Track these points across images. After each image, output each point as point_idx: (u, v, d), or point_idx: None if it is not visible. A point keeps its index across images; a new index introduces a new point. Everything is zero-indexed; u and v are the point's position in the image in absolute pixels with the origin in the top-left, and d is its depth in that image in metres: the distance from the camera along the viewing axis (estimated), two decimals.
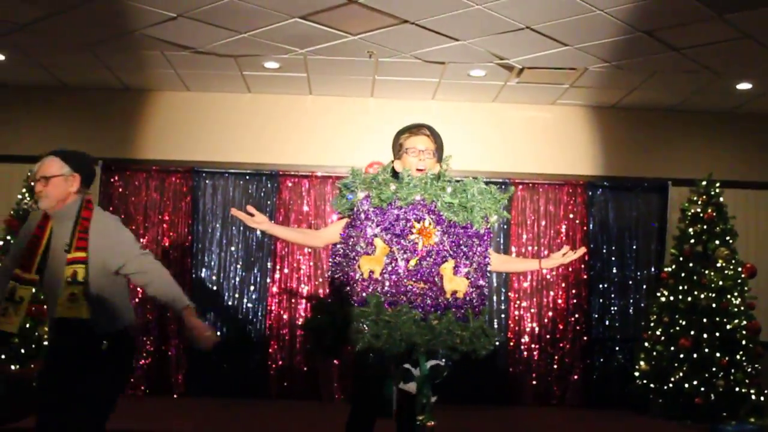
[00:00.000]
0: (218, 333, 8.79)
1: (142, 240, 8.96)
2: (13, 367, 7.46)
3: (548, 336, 9.07)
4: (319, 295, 8.81)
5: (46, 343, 7.58)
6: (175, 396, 8.74)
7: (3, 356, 7.47)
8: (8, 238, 7.91)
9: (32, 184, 3.75)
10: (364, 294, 3.57)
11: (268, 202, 9.10)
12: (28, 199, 8.02)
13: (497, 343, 3.75)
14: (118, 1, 6.59)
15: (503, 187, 8.62)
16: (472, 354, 3.64)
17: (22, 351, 7.54)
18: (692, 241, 8.39)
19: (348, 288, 3.64)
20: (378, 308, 3.51)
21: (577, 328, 9.08)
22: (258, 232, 9.03)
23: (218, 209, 9.13)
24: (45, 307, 7.57)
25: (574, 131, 9.37)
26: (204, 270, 9.04)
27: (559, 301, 9.11)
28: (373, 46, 7.61)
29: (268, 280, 8.98)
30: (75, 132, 9.11)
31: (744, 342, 7.95)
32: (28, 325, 7.59)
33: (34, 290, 3.99)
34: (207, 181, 9.16)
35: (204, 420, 7.02)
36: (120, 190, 9.10)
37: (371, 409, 3.76)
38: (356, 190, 3.74)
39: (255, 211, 3.59)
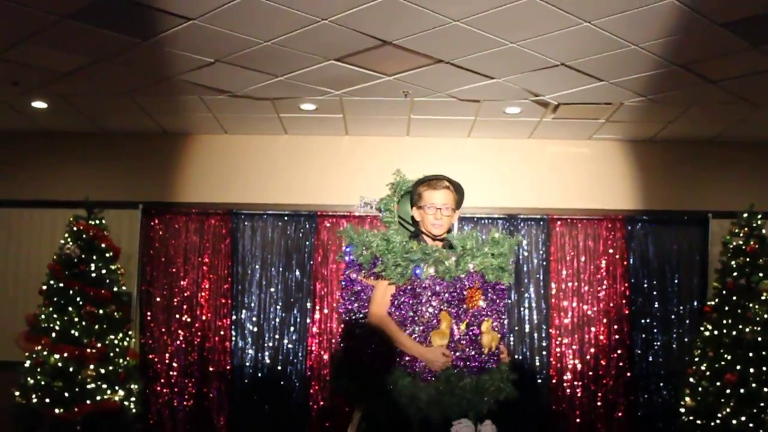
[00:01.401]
0: (258, 374, 8.84)
1: (182, 282, 9.04)
2: (57, 410, 7.53)
3: (591, 373, 8.97)
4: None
5: (89, 386, 7.65)
6: None
7: (47, 400, 7.55)
8: (51, 282, 8.02)
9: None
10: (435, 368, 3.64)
11: (307, 243, 9.15)
12: (71, 244, 8.14)
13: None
14: (157, 48, 6.69)
15: (538, 223, 8.65)
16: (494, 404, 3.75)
17: (66, 395, 7.60)
18: (735, 274, 8.26)
19: (407, 359, 3.66)
20: (447, 380, 3.60)
21: (620, 364, 8.97)
22: (297, 273, 9.07)
23: (257, 251, 9.19)
24: (89, 350, 7.70)
25: (612, 166, 9.33)
26: (244, 311, 9.08)
27: (601, 337, 9.02)
28: (408, 86, 7.65)
29: (308, 321, 8.99)
30: (115, 177, 9.25)
31: None
32: (71, 369, 7.67)
33: None
34: (246, 223, 9.23)
35: None
36: (160, 233, 9.19)
37: None
38: (423, 266, 3.72)
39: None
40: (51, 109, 8.47)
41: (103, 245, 8.33)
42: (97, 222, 8.41)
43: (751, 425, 7.64)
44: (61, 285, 8.02)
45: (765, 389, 7.70)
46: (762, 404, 7.68)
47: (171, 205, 9.25)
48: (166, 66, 7.17)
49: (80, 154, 9.34)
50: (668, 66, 6.94)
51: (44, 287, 8.09)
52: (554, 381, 8.93)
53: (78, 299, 7.99)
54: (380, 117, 8.69)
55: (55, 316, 7.90)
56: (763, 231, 8.35)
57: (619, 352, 8.99)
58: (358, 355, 3.81)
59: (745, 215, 8.41)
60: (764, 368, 7.79)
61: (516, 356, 8.73)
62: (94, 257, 8.23)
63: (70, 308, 7.95)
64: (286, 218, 9.25)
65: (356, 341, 3.85)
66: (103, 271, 8.24)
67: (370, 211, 4.09)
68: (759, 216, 8.38)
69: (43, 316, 7.92)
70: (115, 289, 8.33)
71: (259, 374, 8.96)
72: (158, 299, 9.07)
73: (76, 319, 7.91)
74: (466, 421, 3.63)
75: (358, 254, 3.91)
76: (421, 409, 3.56)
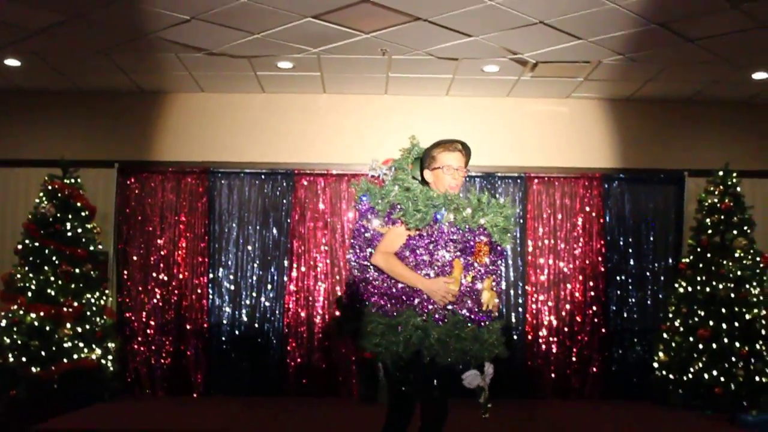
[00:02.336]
0: (236, 332, 8.87)
1: (159, 241, 9.02)
2: (34, 369, 7.53)
3: (566, 329, 9.07)
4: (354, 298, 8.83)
5: (66, 345, 7.64)
6: (194, 396, 8.79)
7: (24, 359, 7.54)
8: (26, 242, 7.98)
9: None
10: (444, 312, 3.78)
11: (284, 201, 9.13)
12: (46, 203, 8.08)
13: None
14: (133, 5, 6.62)
15: (516, 181, 8.71)
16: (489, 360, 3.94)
17: (43, 353, 7.60)
18: (710, 231, 8.35)
19: (416, 301, 3.78)
20: (454, 326, 3.76)
21: (595, 320, 9.07)
22: (274, 231, 9.08)
23: (234, 209, 9.17)
24: (65, 309, 7.68)
25: (590, 124, 9.35)
26: (221, 270, 9.08)
27: (577, 294, 9.10)
28: (386, 44, 7.61)
29: (285, 279, 9.01)
30: (90, 136, 9.18)
31: (763, 331, 7.90)
32: (48, 328, 7.66)
33: None
34: (223, 181, 9.20)
35: (224, 419, 7.05)
36: (136, 191, 9.15)
37: (410, 416, 3.94)
38: (444, 211, 3.83)
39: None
40: (25, 67, 8.36)
41: (78, 204, 8.29)
42: (73, 181, 8.35)
43: (722, 379, 7.77)
44: (37, 244, 7.98)
45: (737, 344, 7.83)
46: (733, 359, 7.81)
47: (147, 164, 9.19)
48: (142, 23, 7.08)
49: (55, 113, 9.23)
50: (647, 25, 6.94)
51: (20, 246, 8.05)
52: (530, 337, 9.02)
53: (54, 258, 7.97)
54: (358, 75, 8.64)
55: (30, 275, 7.87)
56: (738, 189, 8.43)
57: (594, 308, 9.08)
58: (366, 298, 3.96)
59: (721, 173, 8.49)
60: (736, 324, 7.91)
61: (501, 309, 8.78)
62: (70, 216, 8.19)
63: (46, 267, 7.93)
64: (263, 176, 9.22)
65: (364, 286, 3.98)
66: (79, 231, 8.21)
67: (381, 172, 4.15)
68: (734, 174, 8.46)
69: (18, 276, 7.90)
70: (92, 248, 8.31)
71: (237, 332, 8.99)
72: (135, 258, 9.05)
73: (52, 279, 7.89)
74: (471, 372, 3.82)
75: (375, 202, 4.03)
76: (432, 347, 3.71)
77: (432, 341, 3.70)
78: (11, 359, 7.57)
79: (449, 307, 3.76)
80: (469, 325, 3.78)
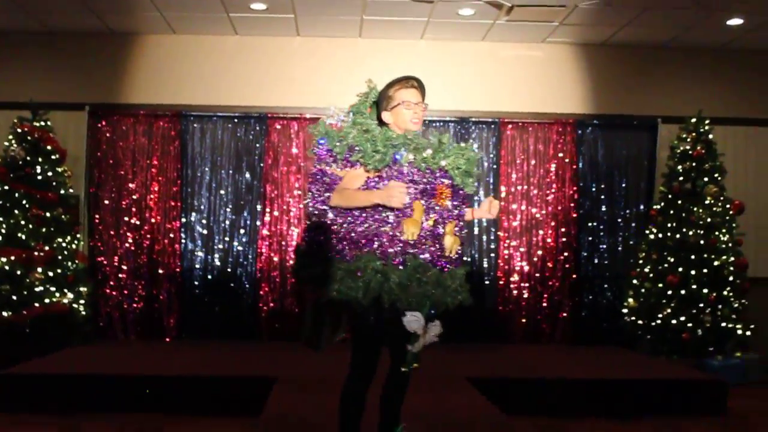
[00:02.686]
0: (208, 276, 8.87)
1: (131, 185, 8.96)
2: (5, 314, 7.52)
3: (537, 274, 9.14)
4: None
5: (37, 289, 7.63)
6: (167, 340, 8.83)
7: None
8: None
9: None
10: (404, 255, 3.71)
11: (257, 145, 9.08)
12: (15, 146, 8.00)
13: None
14: None
15: (489, 126, 8.69)
16: (452, 306, 3.85)
17: (14, 298, 7.59)
18: (681, 178, 8.39)
19: (376, 245, 3.72)
20: (414, 269, 3.67)
21: (567, 266, 9.14)
22: (247, 175, 9.04)
23: (207, 153, 9.10)
24: (36, 253, 7.65)
25: (564, 69, 9.31)
26: (194, 214, 9.04)
27: (549, 240, 9.15)
28: None
29: (258, 223, 9.00)
30: (61, 77, 9.05)
31: (731, 278, 8.02)
32: (19, 272, 7.64)
33: None
34: (195, 125, 9.12)
35: (197, 362, 7.09)
36: (107, 135, 9.05)
37: (373, 369, 3.84)
38: (403, 151, 3.75)
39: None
40: None
41: (48, 147, 8.22)
42: (43, 124, 8.27)
43: (690, 325, 7.88)
44: (6, 188, 7.92)
45: (704, 290, 7.93)
46: (701, 305, 7.92)
47: (118, 107, 9.08)
48: None
49: (24, 54, 9.08)
50: None
51: None
52: (501, 282, 9.08)
53: (24, 202, 7.91)
54: (332, 18, 8.55)
55: (0, 219, 7.81)
56: (710, 136, 8.46)
57: (565, 254, 9.15)
58: (324, 244, 3.84)
59: (693, 121, 8.51)
60: (705, 270, 8.00)
61: (464, 258, 8.82)
62: (40, 159, 8.12)
63: (17, 211, 7.87)
64: (236, 120, 9.15)
65: (322, 230, 3.87)
66: (50, 174, 8.14)
67: (339, 119, 4.06)
68: (707, 121, 8.48)
69: None
70: (62, 192, 8.26)
71: (209, 276, 8.99)
72: (106, 202, 8.99)
73: (23, 222, 7.84)
74: (418, 314, 3.70)
75: (332, 145, 3.92)
76: (392, 291, 3.63)
77: (392, 285, 3.62)
78: None
79: (410, 250, 3.69)
80: (431, 269, 3.73)
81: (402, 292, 3.64)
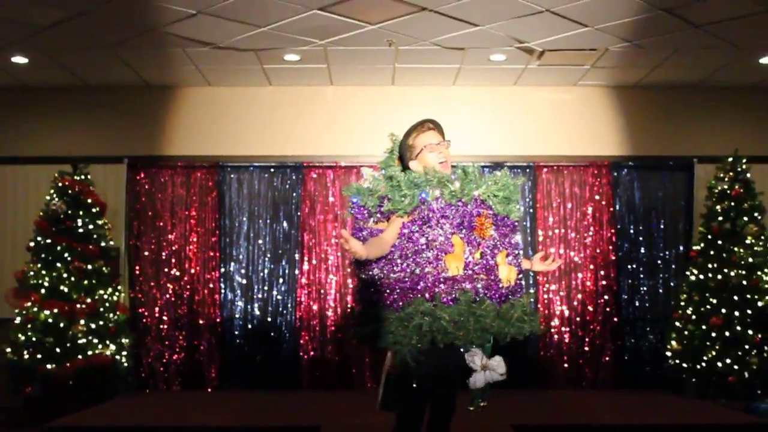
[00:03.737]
0: (248, 326, 8.90)
1: (170, 236, 9.05)
2: (49, 366, 7.57)
3: (578, 318, 9.06)
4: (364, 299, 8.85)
5: (80, 341, 7.69)
6: (209, 390, 8.83)
7: (39, 355, 7.59)
8: (38, 239, 8.02)
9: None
10: (453, 292, 3.64)
11: (294, 194, 9.14)
12: (57, 200, 8.12)
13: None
14: (138, 0, 6.62)
15: (524, 171, 8.73)
16: (521, 336, 3.78)
17: (57, 350, 7.64)
18: (720, 218, 8.32)
19: (422, 286, 3.65)
20: (468, 305, 3.62)
21: (607, 309, 9.06)
22: (284, 224, 9.09)
23: (244, 203, 9.18)
24: (78, 306, 7.72)
25: (597, 112, 9.32)
26: (233, 264, 9.10)
27: (588, 283, 9.09)
28: (392, 35, 7.61)
29: (297, 272, 9.02)
30: (99, 131, 9.21)
31: None
32: (62, 325, 7.70)
33: None
34: (232, 175, 9.21)
35: (240, 413, 7.08)
36: (146, 187, 9.17)
37: (420, 419, 3.83)
38: (428, 189, 3.74)
39: (348, 235, 3.54)
40: (32, 63, 8.38)
41: (89, 200, 8.32)
42: (83, 177, 8.39)
43: (735, 367, 7.76)
44: (49, 241, 8.02)
45: (749, 331, 7.82)
46: (747, 346, 7.80)
47: (156, 159, 9.21)
48: (148, 18, 7.11)
49: (63, 109, 9.26)
50: (653, 11, 6.93)
51: (32, 244, 8.10)
52: (542, 327, 9.00)
53: (66, 255, 8.00)
54: (365, 66, 8.64)
55: (43, 272, 7.91)
56: (748, 175, 8.40)
57: (605, 297, 9.07)
58: (376, 300, 3.81)
59: (730, 159, 8.46)
60: (748, 311, 7.89)
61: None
62: (81, 213, 8.22)
63: (59, 264, 7.97)
64: (272, 170, 9.23)
65: (372, 287, 3.84)
66: (90, 227, 8.24)
67: (374, 179, 4.05)
68: (744, 160, 8.42)
69: (31, 273, 7.94)
70: (103, 244, 8.35)
71: (249, 326, 9.01)
72: (146, 253, 9.07)
73: (65, 275, 7.93)
74: (476, 350, 3.72)
75: (365, 201, 3.92)
76: (445, 329, 3.58)
77: (443, 323, 3.57)
78: (26, 356, 7.62)
79: (461, 286, 3.63)
80: (487, 301, 3.66)
81: (457, 330, 3.59)
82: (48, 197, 8.23)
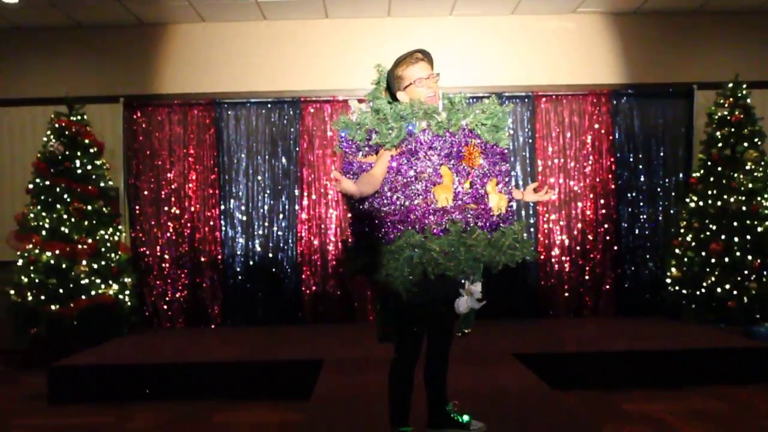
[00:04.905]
0: (250, 263, 8.95)
1: (169, 175, 9.04)
2: (53, 307, 7.63)
3: (578, 248, 9.10)
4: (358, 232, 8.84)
5: (83, 282, 7.74)
6: (212, 327, 8.92)
7: (42, 297, 7.64)
8: (37, 181, 8.01)
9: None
10: (443, 223, 3.64)
11: (292, 130, 9.10)
12: (54, 141, 8.09)
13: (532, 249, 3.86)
14: None
15: (523, 101, 8.66)
16: (513, 263, 3.80)
17: (61, 291, 7.70)
18: (720, 145, 8.30)
19: (412, 218, 3.64)
20: (458, 235, 3.62)
21: (607, 238, 9.09)
22: (283, 160, 9.07)
23: (242, 139, 9.15)
24: (80, 246, 7.75)
25: (596, 40, 9.22)
26: (232, 201, 9.10)
27: (588, 212, 9.10)
28: None
29: (297, 207, 9.04)
30: (93, 71, 9.14)
31: None
32: (64, 266, 7.74)
33: None
34: (229, 112, 9.16)
35: (243, 348, 7.14)
36: (143, 126, 9.13)
37: (418, 350, 3.87)
38: (415, 121, 3.70)
39: (339, 175, 3.50)
40: (24, 3, 8.27)
41: (86, 141, 8.30)
42: (79, 118, 8.36)
43: (735, 293, 7.82)
44: (48, 183, 8.02)
45: (749, 257, 7.85)
46: (746, 272, 7.85)
47: (152, 98, 9.15)
48: None
49: (57, 50, 9.18)
50: None
51: (30, 186, 8.09)
52: (542, 257, 9.06)
53: (65, 196, 8.01)
54: None
55: (43, 214, 7.93)
56: (748, 101, 8.35)
57: (605, 226, 9.09)
58: (367, 233, 3.79)
59: (730, 85, 8.40)
60: (748, 237, 7.92)
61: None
62: (79, 153, 8.21)
63: (59, 206, 7.98)
64: (269, 105, 9.17)
65: (363, 219, 3.81)
66: (89, 167, 8.24)
67: (362, 112, 4.01)
68: (744, 86, 8.37)
69: (32, 215, 7.95)
70: (102, 184, 8.36)
71: (251, 262, 9.05)
72: (146, 193, 9.07)
73: (65, 216, 7.95)
74: (463, 296, 3.78)
75: (353, 135, 3.90)
76: (436, 260, 3.59)
77: (434, 255, 3.58)
78: (30, 298, 7.67)
79: (451, 217, 3.62)
80: (478, 231, 3.66)
81: (448, 260, 3.60)
82: (45, 138, 8.21)
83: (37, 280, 7.71)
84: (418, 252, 3.60)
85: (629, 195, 9.14)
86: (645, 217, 9.14)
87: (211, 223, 9.04)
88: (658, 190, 9.18)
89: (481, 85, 8.97)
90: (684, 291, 8.23)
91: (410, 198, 3.66)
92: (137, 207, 9.06)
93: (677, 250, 8.42)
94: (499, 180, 3.81)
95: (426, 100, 3.80)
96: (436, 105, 3.81)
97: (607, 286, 9.06)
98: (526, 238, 3.89)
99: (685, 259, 8.27)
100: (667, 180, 9.19)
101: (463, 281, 3.81)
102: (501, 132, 3.85)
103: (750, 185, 8.03)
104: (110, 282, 8.02)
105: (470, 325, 3.97)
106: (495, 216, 3.75)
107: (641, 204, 9.16)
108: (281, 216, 9.08)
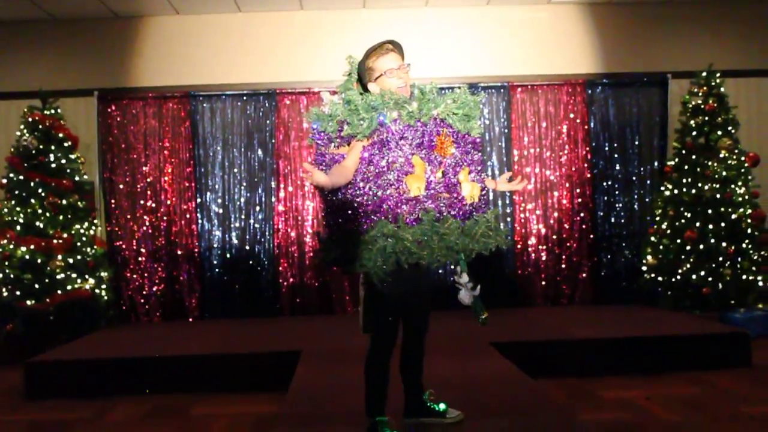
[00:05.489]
0: (227, 255, 8.92)
1: (144, 168, 8.99)
2: (29, 302, 7.58)
3: (555, 236, 9.14)
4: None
5: (59, 276, 7.69)
6: (190, 320, 8.90)
7: (18, 292, 7.59)
8: (11, 176, 7.95)
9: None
10: (416, 212, 3.65)
11: (267, 122, 9.07)
12: (27, 135, 8.03)
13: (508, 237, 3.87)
14: None
15: (499, 91, 8.67)
16: (486, 251, 3.81)
17: (36, 286, 7.64)
18: (694, 133, 8.36)
19: (385, 208, 3.65)
20: (431, 224, 3.62)
21: (583, 227, 9.14)
22: (259, 152, 9.05)
23: (218, 132, 9.12)
24: (55, 241, 7.70)
25: (571, 30, 9.25)
26: (208, 194, 9.07)
27: (564, 201, 9.14)
28: None
29: (273, 199, 9.02)
30: (68, 64, 9.08)
31: (749, 230, 8.00)
32: (39, 261, 7.69)
33: None
34: (204, 105, 9.12)
35: (221, 341, 7.13)
36: (118, 119, 9.07)
37: (393, 339, 3.88)
38: (386, 111, 3.69)
39: (311, 168, 3.50)
40: None
41: (60, 135, 8.24)
42: (53, 112, 8.29)
43: (710, 279, 7.88)
44: (22, 177, 7.96)
45: (723, 244, 7.92)
46: (720, 259, 7.91)
47: (127, 91, 9.09)
48: None
49: (30, 43, 9.10)
50: None
51: (4, 180, 8.03)
52: (519, 246, 9.09)
53: (40, 191, 7.96)
54: None
55: (18, 209, 7.87)
56: (722, 89, 8.41)
57: (581, 215, 9.14)
58: (341, 224, 3.80)
59: (704, 74, 8.46)
60: (722, 224, 7.98)
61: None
62: (53, 147, 8.15)
63: (33, 200, 7.92)
64: (244, 98, 9.14)
65: (336, 211, 3.82)
66: (63, 161, 8.17)
67: (334, 104, 3.99)
68: (718, 74, 8.43)
69: (6, 210, 7.89)
70: (77, 178, 8.30)
71: (228, 255, 9.04)
72: (121, 186, 9.03)
73: (40, 211, 7.89)
74: (462, 290, 3.81)
75: (324, 126, 3.88)
76: (409, 250, 3.59)
77: (408, 244, 3.59)
78: (5, 293, 7.61)
79: (424, 206, 3.64)
80: (450, 219, 3.68)
81: (421, 249, 3.61)
82: (18, 133, 8.14)
83: (12, 276, 7.64)
84: (391, 242, 3.60)
85: (605, 184, 9.19)
86: (621, 205, 9.20)
87: (188, 216, 9.01)
88: (634, 178, 9.24)
89: (457, 75, 8.99)
90: (660, 278, 8.29)
91: (383, 188, 3.66)
92: (113, 201, 9.01)
93: (653, 238, 8.48)
94: (471, 169, 3.82)
95: (397, 90, 3.79)
96: (407, 95, 3.81)
97: (584, 275, 9.11)
98: (500, 227, 3.90)
99: (661, 247, 8.33)
100: (642, 168, 9.25)
101: (453, 276, 3.84)
102: (473, 121, 3.86)
103: (724, 173, 8.10)
104: (86, 276, 7.97)
105: (483, 311, 3.92)
106: (468, 205, 3.76)
107: (617, 192, 9.21)
108: (258, 208, 9.06)
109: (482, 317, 3.87)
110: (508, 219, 9.10)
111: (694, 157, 8.33)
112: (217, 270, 9.02)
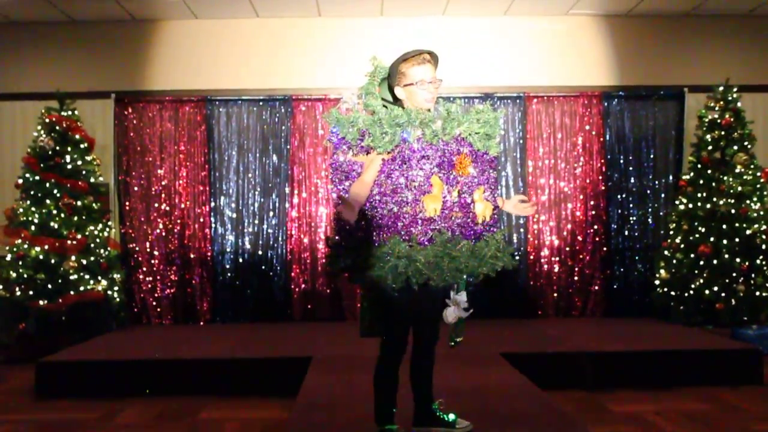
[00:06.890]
0: (239, 260, 8.94)
1: (159, 171, 9.03)
2: (41, 302, 7.61)
3: (568, 248, 9.12)
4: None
5: (72, 277, 7.72)
6: (201, 324, 8.91)
7: (31, 292, 7.62)
8: (27, 176, 8.00)
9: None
10: (429, 233, 3.64)
11: (283, 128, 9.09)
12: (44, 136, 8.08)
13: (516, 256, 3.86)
14: None
15: (515, 101, 8.66)
16: (493, 272, 3.78)
17: (49, 286, 7.68)
18: (710, 147, 8.33)
19: (400, 226, 3.65)
20: (444, 245, 3.61)
21: (597, 239, 9.11)
22: (274, 158, 9.07)
23: (233, 137, 9.15)
24: (69, 242, 7.74)
25: (588, 42, 9.24)
26: (222, 198, 9.09)
27: (578, 213, 9.12)
28: None
29: (287, 205, 9.03)
30: (85, 66, 9.12)
31: (764, 246, 7.95)
32: (53, 261, 7.72)
33: None
34: (221, 109, 9.15)
35: (232, 345, 7.14)
36: (134, 122, 9.11)
37: (403, 348, 3.87)
38: (410, 129, 3.67)
39: (343, 209, 3.53)
40: None
41: (77, 136, 8.29)
42: (70, 113, 8.34)
43: (723, 295, 7.85)
44: (37, 178, 8.01)
45: (737, 260, 7.88)
46: (734, 274, 7.87)
47: (143, 94, 9.14)
48: None
49: (48, 45, 9.16)
50: None
51: (20, 181, 8.07)
52: (532, 257, 9.08)
53: (55, 191, 8.00)
54: None
55: (33, 209, 7.91)
56: (738, 104, 8.38)
57: (595, 227, 9.11)
58: (352, 232, 3.78)
59: (721, 89, 8.43)
60: (736, 240, 7.95)
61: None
62: (69, 149, 8.19)
63: (48, 201, 7.97)
64: (261, 103, 9.17)
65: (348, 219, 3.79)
66: (79, 163, 8.22)
67: (354, 103, 3.97)
68: (734, 89, 8.40)
69: (21, 210, 7.93)
70: (92, 180, 8.34)
71: (240, 260, 9.05)
72: (136, 189, 9.06)
73: (55, 212, 7.93)
74: (451, 307, 3.80)
75: (344, 132, 3.86)
76: (420, 271, 3.59)
77: (419, 266, 3.57)
78: (18, 293, 7.65)
79: (437, 226, 3.63)
80: (462, 241, 3.67)
81: (432, 271, 3.60)
82: (35, 133, 8.19)
83: (25, 276, 7.69)
84: (403, 262, 3.59)
85: (619, 196, 9.16)
86: (634, 218, 9.17)
87: (201, 219, 9.03)
88: (648, 191, 9.20)
89: (473, 85, 9.00)
90: (672, 293, 8.26)
91: (399, 205, 3.66)
92: (127, 203, 9.05)
93: (666, 252, 8.45)
94: (486, 188, 3.80)
95: (424, 103, 3.77)
96: (432, 113, 3.77)
97: (596, 287, 9.08)
98: (507, 246, 3.87)
99: (674, 261, 8.29)
100: (656, 182, 9.22)
101: (450, 292, 3.83)
102: (492, 140, 3.81)
103: (739, 188, 8.06)
104: (99, 278, 8.01)
105: (461, 334, 3.97)
106: (479, 225, 3.75)
107: (631, 205, 9.18)
108: (271, 213, 9.08)
109: (457, 339, 3.91)
110: (521, 230, 9.08)
111: (709, 171, 8.30)
112: (229, 274, 9.04)
